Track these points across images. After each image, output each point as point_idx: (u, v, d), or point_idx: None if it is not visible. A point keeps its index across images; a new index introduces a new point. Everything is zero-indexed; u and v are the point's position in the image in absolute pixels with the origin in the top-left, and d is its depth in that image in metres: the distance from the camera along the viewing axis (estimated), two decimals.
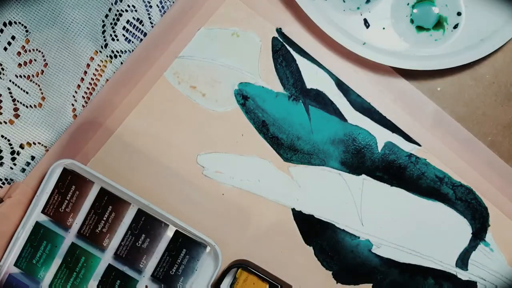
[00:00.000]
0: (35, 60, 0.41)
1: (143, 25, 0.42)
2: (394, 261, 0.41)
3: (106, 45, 0.41)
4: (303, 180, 0.41)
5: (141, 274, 0.40)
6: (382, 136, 0.41)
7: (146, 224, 0.40)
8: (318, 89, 0.41)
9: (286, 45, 0.41)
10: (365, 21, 0.40)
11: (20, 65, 0.40)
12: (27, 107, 0.41)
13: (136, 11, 0.41)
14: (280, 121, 0.41)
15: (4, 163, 0.41)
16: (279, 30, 0.41)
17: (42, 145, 0.42)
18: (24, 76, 0.41)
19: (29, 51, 0.40)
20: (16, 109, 0.41)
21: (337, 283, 0.41)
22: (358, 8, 0.40)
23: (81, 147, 0.41)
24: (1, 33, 0.40)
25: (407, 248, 0.41)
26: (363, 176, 0.41)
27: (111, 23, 0.41)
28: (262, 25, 0.41)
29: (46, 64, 0.41)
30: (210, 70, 0.41)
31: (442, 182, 0.41)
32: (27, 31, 0.40)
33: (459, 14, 0.39)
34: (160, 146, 0.41)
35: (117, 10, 0.41)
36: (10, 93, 0.41)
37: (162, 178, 0.41)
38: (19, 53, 0.40)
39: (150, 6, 0.41)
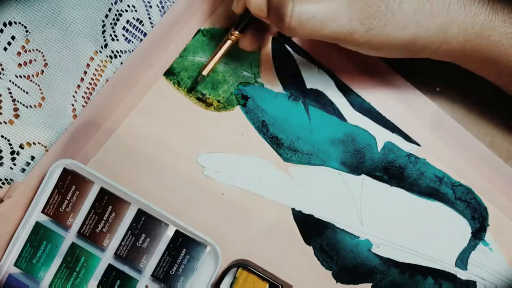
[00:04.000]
0: (35, 60, 0.41)
1: (143, 25, 0.42)
2: (394, 260, 0.41)
3: (106, 45, 0.41)
4: (303, 180, 0.41)
5: (141, 274, 0.40)
6: (381, 136, 0.41)
7: (146, 224, 0.40)
8: (318, 89, 0.41)
9: (286, 45, 0.41)
10: None
11: (20, 65, 0.40)
12: (27, 107, 0.41)
13: (136, 11, 0.41)
14: (280, 121, 0.41)
15: (4, 163, 0.41)
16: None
17: (42, 145, 0.42)
18: (24, 76, 0.41)
19: (29, 51, 0.40)
20: (16, 109, 0.41)
21: (336, 282, 0.41)
22: None
23: (81, 147, 0.41)
24: (1, 33, 0.40)
25: (406, 248, 0.41)
26: (363, 176, 0.41)
27: (111, 23, 0.41)
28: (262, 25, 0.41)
29: (46, 64, 0.41)
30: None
31: (441, 182, 0.41)
32: (27, 31, 0.40)
33: None
34: (160, 146, 0.41)
35: (117, 10, 0.41)
36: (10, 93, 0.41)
37: (162, 178, 0.41)
38: (19, 53, 0.40)
39: (150, 6, 0.41)
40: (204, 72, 0.39)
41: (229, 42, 0.38)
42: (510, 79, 0.36)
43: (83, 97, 0.42)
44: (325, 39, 0.33)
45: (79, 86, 0.42)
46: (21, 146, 0.42)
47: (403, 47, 0.34)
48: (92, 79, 0.42)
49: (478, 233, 0.41)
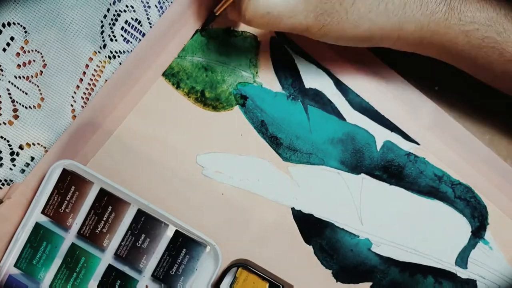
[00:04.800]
0: (34, 61, 0.41)
1: (141, 25, 0.42)
2: (394, 259, 0.41)
3: (104, 46, 0.41)
4: (302, 179, 0.41)
5: (141, 274, 0.40)
6: (381, 135, 0.41)
7: (146, 224, 0.40)
8: (316, 89, 0.41)
9: (285, 45, 0.41)
10: None
11: (19, 66, 0.40)
12: (26, 108, 0.41)
13: (134, 11, 0.41)
14: (279, 120, 0.41)
15: (3, 164, 0.42)
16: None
17: (42, 145, 0.42)
18: (23, 77, 0.41)
19: (28, 52, 0.40)
20: (15, 110, 0.41)
21: (336, 282, 0.41)
22: None
23: (81, 148, 0.41)
24: (0, 34, 0.40)
25: (406, 247, 0.41)
26: (362, 175, 0.41)
27: (109, 24, 0.41)
28: None
29: (45, 65, 0.41)
30: (208, 70, 0.41)
31: (441, 181, 0.41)
32: (26, 32, 0.40)
33: None
34: (159, 146, 0.41)
35: (116, 11, 0.41)
36: (9, 94, 0.41)
37: (161, 178, 0.41)
38: (18, 54, 0.40)
39: (149, 7, 0.41)
40: (217, 12, 0.38)
41: None
42: (469, 70, 0.36)
43: (82, 97, 0.42)
44: (284, 31, 0.34)
45: (78, 86, 0.42)
46: (21, 147, 0.42)
47: (359, 41, 0.34)
48: (91, 79, 0.42)
49: (478, 232, 0.41)
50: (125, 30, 0.41)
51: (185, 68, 0.41)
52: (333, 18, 0.32)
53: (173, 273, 0.40)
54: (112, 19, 0.41)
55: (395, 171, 0.41)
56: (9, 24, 0.40)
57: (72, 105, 0.42)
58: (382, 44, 0.35)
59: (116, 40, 0.41)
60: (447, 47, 0.34)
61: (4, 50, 0.40)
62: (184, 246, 0.40)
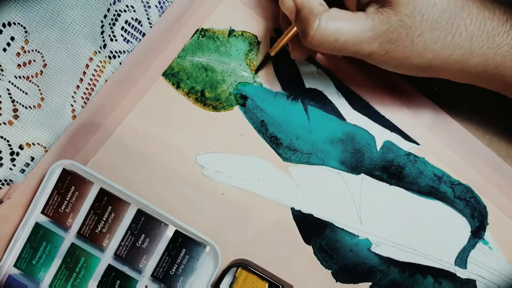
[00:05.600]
0: (34, 61, 0.41)
1: (141, 25, 0.42)
2: (393, 259, 0.41)
3: (105, 46, 0.41)
4: (302, 179, 0.41)
5: (141, 274, 0.40)
6: (380, 135, 0.41)
7: (146, 224, 0.40)
8: (316, 89, 0.41)
9: (285, 45, 0.41)
10: None
11: (19, 66, 0.41)
12: (26, 108, 0.41)
13: (134, 11, 0.41)
14: (279, 120, 0.41)
15: (3, 164, 0.42)
16: (277, 30, 0.41)
17: (42, 145, 0.42)
18: (23, 77, 0.41)
19: (28, 51, 0.40)
20: (15, 110, 0.41)
21: (336, 282, 0.41)
22: None
23: (81, 148, 0.41)
24: (0, 34, 0.40)
25: (406, 247, 0.41)
26: (362, 175, 0.41)
27: (109, 24, 0.41)
28: (261, 25, 0.41)
29: (45, 64, 0.41)
30: (208, 70, 0.41)
31: (440, 181, 0.41)
32: (26, 31, 0.40)
33: None
34: (159, 146, 0.41)
35: (116, 11, 0.41)
36: (9, 94, 0.41)
37: (161, 178, 0.41)
38: (18, 54, 0.40)
39: (149, 7, 0.41)
40: (272, 52, 0.39)
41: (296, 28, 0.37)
42: None
43: (82, 97, 0.42)
44: (347, 55, 0.34)
45: (78, 86, 0.42)
46: (21, 147, 0.42)
47: (417, 70, 0.34)
48: (91, 79, 0.42)
49: (478, 232, 0.41)
50: (125, 30, 0.41)
51: (185, 68, 0.41)
52: (398, 46, 0.32)
53: (172, 273, 0.40)
54: (112, 19, 0.41)
55: (395, 171, 0.41)
56: (9, 24, 0.40)
57: (72, 105, 0.42)
58: (440, 74, 0.35)
59: (116, 40, 0.41)
60: (510, 79, 0.34)
61: (5, 50, 0.40)
62: (183, 246, 0.40)
